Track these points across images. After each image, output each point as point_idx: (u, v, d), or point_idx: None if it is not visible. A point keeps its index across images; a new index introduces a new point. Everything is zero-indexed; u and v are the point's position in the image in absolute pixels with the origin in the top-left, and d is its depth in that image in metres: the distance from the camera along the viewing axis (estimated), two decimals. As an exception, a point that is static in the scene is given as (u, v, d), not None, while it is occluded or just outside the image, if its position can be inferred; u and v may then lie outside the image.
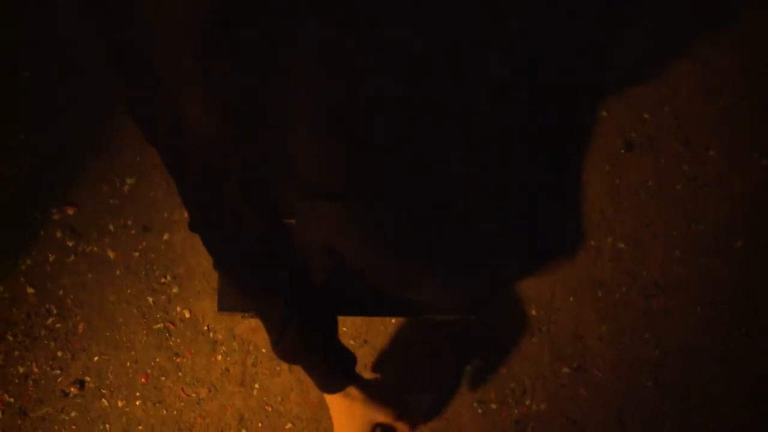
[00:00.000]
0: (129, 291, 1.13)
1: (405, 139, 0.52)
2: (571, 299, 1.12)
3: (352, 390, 0.92)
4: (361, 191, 0.55)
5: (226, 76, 0.45)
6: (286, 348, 0.85)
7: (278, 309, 0.80)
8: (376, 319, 1.11)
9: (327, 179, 0.53)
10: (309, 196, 0.56)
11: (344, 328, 1.12)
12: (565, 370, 1.11)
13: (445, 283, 0.85)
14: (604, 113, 1.14)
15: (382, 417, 0.93)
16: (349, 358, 0.93)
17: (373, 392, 0.93)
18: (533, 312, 1.12)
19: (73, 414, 1.12)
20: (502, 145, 0.58)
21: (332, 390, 0.92)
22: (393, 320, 1.12)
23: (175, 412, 1.12)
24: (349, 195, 0.55)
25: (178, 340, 1.12)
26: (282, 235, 0.74)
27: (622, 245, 1.13)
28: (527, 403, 1.11)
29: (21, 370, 1.12)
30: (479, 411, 1.11)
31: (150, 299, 1.13)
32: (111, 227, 1.14)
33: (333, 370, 0.90)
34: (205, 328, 1.12)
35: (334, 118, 0.48)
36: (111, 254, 1.13)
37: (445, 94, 0.50)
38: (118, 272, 1.13)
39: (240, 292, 0.82)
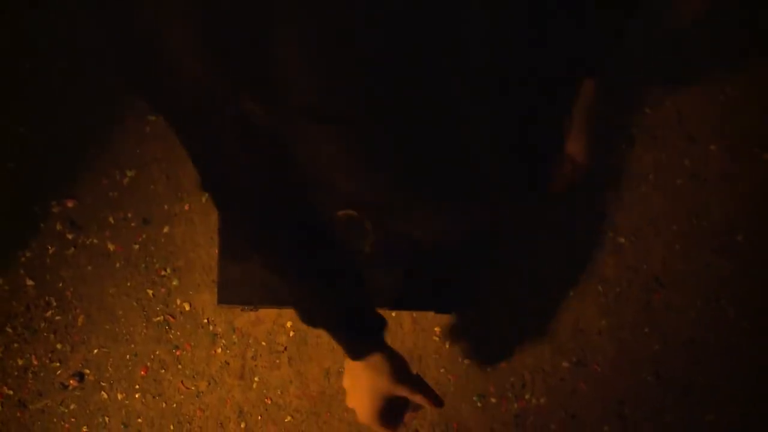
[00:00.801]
0: (129, 283, 1.13)
1: (407, 59, 0.51)
2: (571, 293, 1.12)
3: (378, 358, 0.85)
4: (364, 112, 0.55)
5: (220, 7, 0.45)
6: (307, 308, 0.81)
7: (294, 263, 0.76)
8: (376, 313, 1.11)
9: (328, 101, 0.52)
10: (309, 122, 0.55)
11: (344, 322, 1.11)
12: (565, 364, 1.11)
13: (443, 212, 0.82)
14: (606, 107, 1.14)
15: (401, 390, 0.86)
16: (378, 323, 0.87)
17: (398, 364, 0.86)
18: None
19: (72, 406, 1.12)
20: (508, 78, 0.57)
21: (356, 356, 0.85)
22: (393, 314, 1.11)
23: (174, 405, 1.12)
24: (350, 116, 0.54)
25: (178, 333, 1.12)
26: (292, 187, 0.72)
27: (623, 240, 1.13)
28: (527, 397, 1.11)
29: (20, 362, 1.12)
30: (479, 405, 1.11)
31: (150, 292, 1.13)
32: (111, 220, 1.13)
33: (358, 334, 0.84)
34: (205, 320, 1.12)
35: (336, 35, 0.48)
36: (111, 247, 1.13)
37: (448, 13, 0.50)
38: (117, 265, 1.13)
39: (255, 245, 0.78)
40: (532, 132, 0.72)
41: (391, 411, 0.88)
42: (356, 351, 0.84)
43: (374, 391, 0.87)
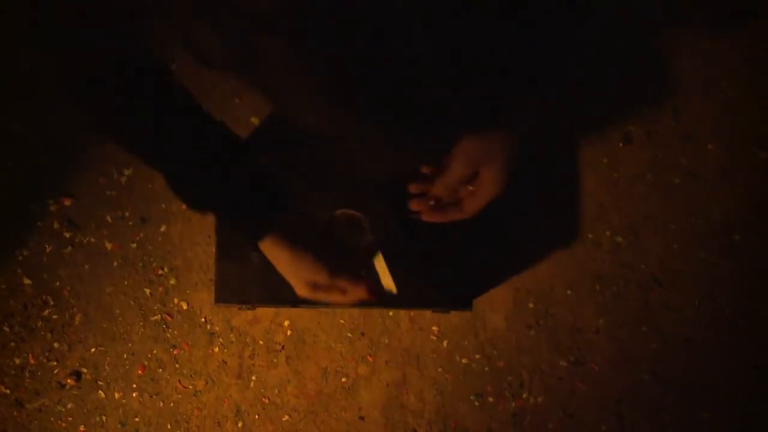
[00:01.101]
0: (126, 282, 1.13)
1: None
2: (569, 292, 1.12)
3: (275, 241, 0.82)
4: (315, 25, 0.55)
5: None
6: (188, 188, 0.77)
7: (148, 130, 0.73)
8: (374, 312, 1.11)
9: (281, 10, 0.53)
10: (261, 34, 0.55)
11: (341, 321, 1.11)
12: (563, 363, 1.11)
13: (387, 135, 0.81)
14: (602, 106, 1.14)
15: (317, 277, 0.84)
16: (270, 201, 0.83)
17: (304, 246, 0.82)
18: (531, 305, 1.12)
19: (69, 406, 1.12)
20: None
21: (251, 239, 0.82)
22: (390, 313, 1.11)
23: (171, 404, 1.12)
24: (302, 28, 0.55)
25: (176, 332, 1.12)
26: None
27: (620, 239, 1.13)
28: (524, 396, 1.11)
29: (17, 361, 1.12)
30: (476, 404, 1.11)
31: (147, 291, 1.12)
32: (108, 218, 1.13)
33: (246, 216, 0.80)
34: (203, 320, 1.12)
35: None
36: (108, 245, 1.13)
37: None
38: (115, 264, 1.13)
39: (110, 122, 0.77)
40: (468, 62, 0.72)
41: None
42: (250, 234, 0.82)
43: (291, 276, 0.84)
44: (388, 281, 0.94)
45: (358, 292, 0.87)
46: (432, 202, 0.88)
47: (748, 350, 1.11)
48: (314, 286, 0.85)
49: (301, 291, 0.86)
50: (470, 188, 0.87)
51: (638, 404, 1.11)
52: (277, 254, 0.83)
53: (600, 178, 1.13)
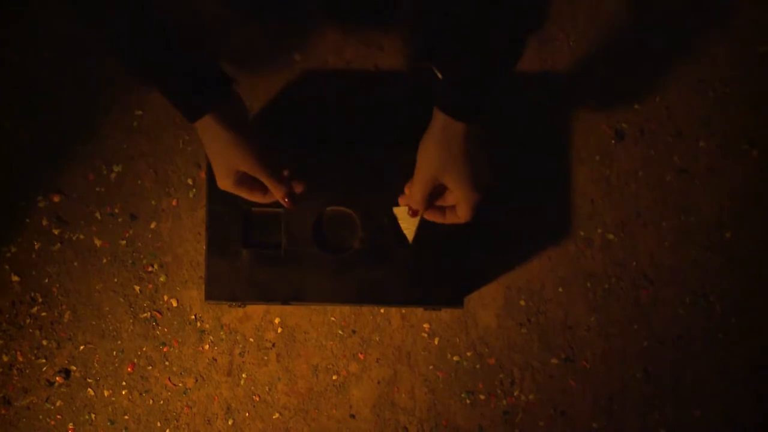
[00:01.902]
0: (115, 279, 1.12)
1: None
2: (560, 290, 1.12)
3: (214, 121, 0.81)
4: None
5: None
6: (128, 53, 0.76)
7: None
8: (365, 309, 1.11)
9: None
10: None
11: (332, 318, 1.11)
12: (554, 360, 1.11)
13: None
14: (595, 103, 1.14)
15: (245, 166, 0.84)
16: (214, 77, 0.81)
17: (239, 132, 0.82)
18: (522, 302, 1.11)
19: (58, 403, 1.11)
20: None
21: (190, 116, 0.81)
22: (381, 310, 1.11)
23: (161, 402, 1.11)
24: None
25: (165, 330, 1.11)
26: None
27: (611, 236, 1.12)
28: (516, 393, 1.11)
29: (5, 359, 1.11)
30: (467, 402, 1.11)
31: (137, 288, 1.12)
32: (98, 215, 1.12)
33: (188, 88, 0.79)
34: (193, 317, 1.11)
35: None
36: (97, 242, 1.12)
37: None
38: (104, 260, 1.12)
39: None
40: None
41: (252, 179, 0.86)
42: (188, 109, 0.80)
43: (218, 162, 0.84)
44: (407, 230, 0.95)
45: (278, 193, 0.87)
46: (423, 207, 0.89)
47: (739, 348, 1.11)
48: (238, 179, 0.85)
49: (224, 181, 0.86)
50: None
51: (629, 402, 1.11)
52: (211, 136, 0.83)
53: (592, 176, 1.13)
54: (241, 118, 0.85)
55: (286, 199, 0.91)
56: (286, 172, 0.91)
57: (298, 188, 0.91)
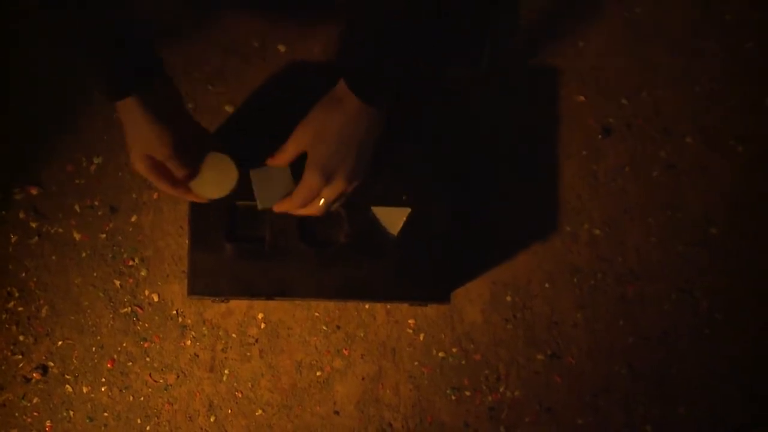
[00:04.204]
0: (95, 274, 1.09)
1: None
2: (546, 285, 1.11)
3: (133, 103, 0.79)
4: None
5: None
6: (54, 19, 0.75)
7: None
8: (350, 305, 1.10)
9: None
10: None
11: (317, 314, 1.09)
12: (540, 356, 1.11)
13: None
14: (582, 98, 1.13)
15: (155, 151, 0.82)
16: (141, 62, 0.80)
17: (159, 117, 0.80)
18: (508, 298, 1.11)
19: (35, 400, 1.08)
20: None
21: (108, 95, 0.79)
22: (366, 306, 1.10)
23: (142, 399, 1.09)
24: None
25: (146, 325, 1.09)
26: None
27: (598, 231, 1.12)
28: (501, 390, 1.10)
29: (-19, 354, 1.08)
30: (453, 398, 1.10)
31: (117, 282, 1.10)
32: (77, 208, 1.10)
33: (111, 67, 0.78)
34: (174, 312, 1.09)
35: None
36: (76, 236, 1.10)
37: None
38: (83, 254, 1.10)
39: None
40: None
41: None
42: (105, 88, 0.79)
43: (134, 144, 0.83)
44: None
45: (185, 188, 0.86)
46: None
47: (725, 344, 1.11)
48: (151, 164, 0.84)
49: (138, 164, 0.85)
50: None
51: (615, 398, 1.10)
52: (130, 117, 0.82)
53: (579, 171, 1.12)
54: (167, 104, 0.83)
55: (184, 177, 0.87)
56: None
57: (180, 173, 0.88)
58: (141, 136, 0.82)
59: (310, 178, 0.83)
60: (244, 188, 0.91)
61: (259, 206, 0.91)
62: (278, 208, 0.89)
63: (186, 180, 0.87)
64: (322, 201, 0.85)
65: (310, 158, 0.83)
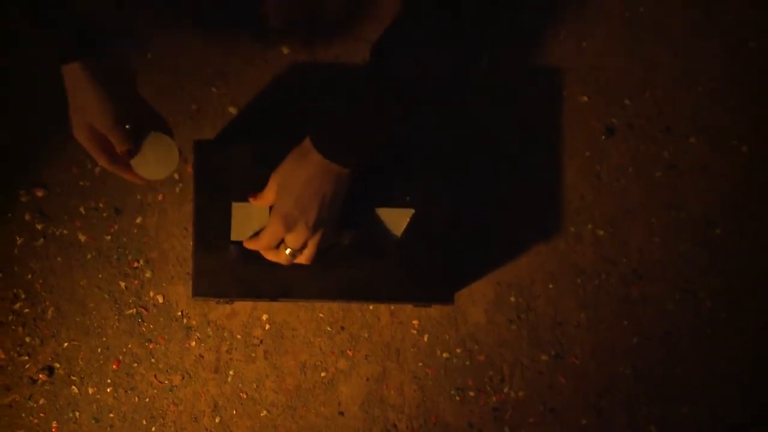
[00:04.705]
0: (100, 275, 1.10)
1: None
2: (550, 286, 1.11)
3: (78, 68, 0.79)
4: None
5: None
6: None
7: None
8: (354, 306, 1.10)
9: None
10: None
11: (321, 315, 1.10)
12: (544, 357, 1.11)
13: None
14: (585, 98, 1.13)
15: (95, 120, 0.82)
16: (92, 26, 0.79)
17: (104, 87, 0.80)
18: (512, 298, 1.11)
19: (41, 401, 1.09)
20: None
21: (60, 57, 0.79)
22: (370, 307, 1.10)
23: (147, 400, 1.09)
24: None
25: (151, 326, 1.10)
26: None
27: (601, 232, 1.12)
28: (505, 390, 1.10)
29: (-13, 356, 1.09)
30: (457, 398, 1.10)
31: (122, 284, 1.10)
32: (82, 210, 1.10)
33: (63, 30, 0.79)
34: (179, 313, 1.10)
35: None
36: (82, 237, 1.10)
37: None
38: (89, 256, 1.10)
39: None
40: None
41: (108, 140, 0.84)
42: (58, 51, 0.79)
43: (75, 112, 0.82)
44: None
45: (125, 166, 0.86)
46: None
47: (728, 344, 1.11)
48: (91, 135, 0.84)
49: (77, 132, 0.85)
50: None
51: (618, 398, 1.10)
52: (74, 83, 0.82)
53: (582, 171, 1.12)
54: (115, 77, 0.83)
55: (124, 152, 0.87)
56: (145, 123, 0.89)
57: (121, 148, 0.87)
58: (82, 104, 0.82)
59: (273, 224, 0.89)
60: (245, 189, 0.92)
61: (232, 237, 0.96)
62: (247, 244, 0.94)
63: (125, 157, 0.87)
64: (288, 250, 0.90)
65: (275, 206, 0.88)
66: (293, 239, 0.88)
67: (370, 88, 0.80)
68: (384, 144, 0.85)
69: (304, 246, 0.89)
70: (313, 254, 0.90)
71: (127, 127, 0.84)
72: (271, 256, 0.92)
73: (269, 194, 0.90)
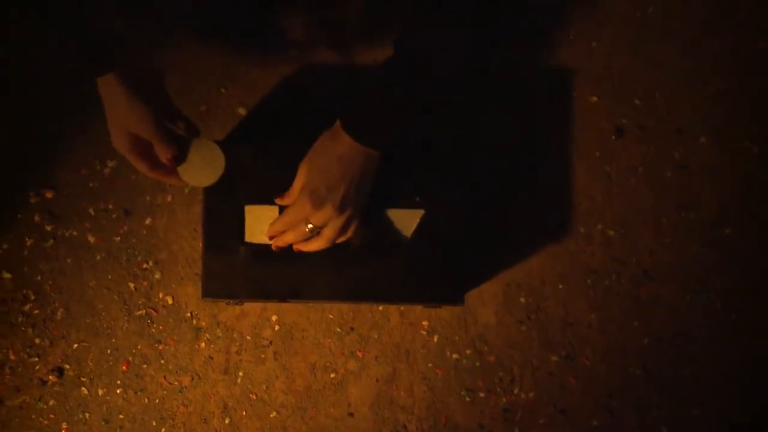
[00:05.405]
0: (110, 276, 1.10)
1: None
2: (560, 286, 1.11)
3: (113, 79, 0.81)
4: None
5: None
6: None
7: None
8: (363, 307, 1.10)
9: None
10: None
11: (330, 316, 1.10)
12: (554, 358, 1.10)
13: None
14: (595, 99, 1.13)
15: (137, 128, 0.83)
16: (117, 43, 0.82)
17: (141, 95, 0.82)
18: (522, 299, 1.11)
19: (51, 402, 1.09)
20: None
21: (94, 71, 0.82)
22: (380, 307, 1.10)
23: (157, 401, 1.09)
24: None
25: (161, 327, 1.10)
26: None
27: (611, 232, 1.12)
28: (515, 391, 1.10)
29: (-3, 357, 1.09)
30: (467, 399, 1.10)
31: (131, 285, 1.10)
32: (91, 211, 1.11)
33: (95, 43, 0.81)
34: (188, 314, 1.10)
35: None
36: (91, 239, 1.10)
37: None
38: (98, 257, 1.10)
39: None
40: None
41: (148, 147, 0.85)
42: (91, 65, 0.81)
43: (114, 122, 0.83)
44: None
45: (162, 154, 0.86)
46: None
47: (739, 345, 1.11)
48: (133, 142, 0.84)
49: (118, 141, 0.85)
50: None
51: (629, 399, 1.10)
52: (111, 93, 0.83)
53: (592, 172, 1.12)
54: (148, 83, 0.84)
55: (170, 159, 0.88)
56: (182, 130, 0.89)
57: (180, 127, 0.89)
58: (122, 114, 0.83)
59: (300, 201, 0.88)
60: (253, 190, 0.93)
61: (247, 239, 0.96)
62: (269, 232, 0.94)
63: (171, 163, 0.87)
64: (310, 226, 0.89)
65: (304, 185, 0.87)
66: (319, 216, 0.88)
67: (397, 71, 0.81)
68: (413, 127, 0.85)
69: (324, 225, 0.89)
70: (334, 237, 0.90)
71: (171, 130, 0.85)
72: (290, 236, 0.91)
73: (297, 186, 0.89)
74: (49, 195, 1.11)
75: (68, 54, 0.81)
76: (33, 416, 1.09)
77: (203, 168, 0.90)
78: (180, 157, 0.88)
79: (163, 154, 0.86)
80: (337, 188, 0.87)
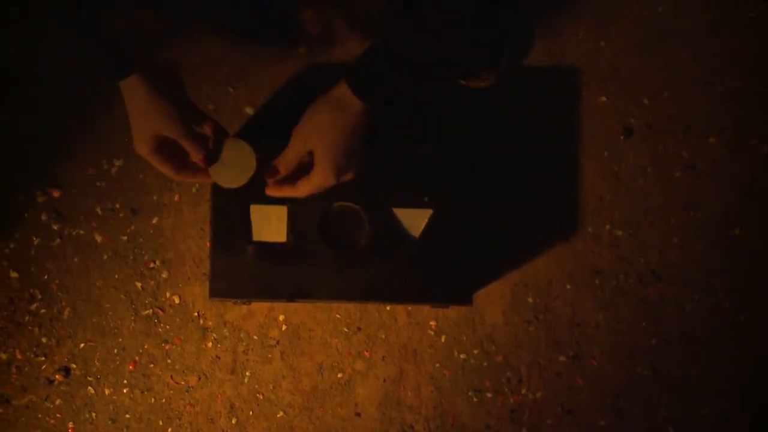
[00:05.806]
0: (116, 276, 1.10)
1: None
2: (568, 287, 1.10)
3: (136, 81, 0.80)
4: None
5: None
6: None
7: None
8: (370, 306, 1.09)
9: None
10: None
11: (337, 316, 1.09)
12: (562, 358, 1.10)
13: None
14: (604, 99, 1.12)
15: (165, 128, 0.82)
16: (140, 42, 0.80)
17: (165, 95, 0.81)
18: (530, 299, 1.10)
19: (57, 402, 1.09)
20: None
21: (111, 74, 0.80)
22: (387, 307, 1.10)
23: (163, 400, 1.09)
24: None
25: (167, 327, 1.10)
26: None
27: (620, 233, 1.11)
28: (523, 391, 1.10)
29: (4, 356, 1.09)
30: (475, 399, 1.09)
31: (138, 284, 1.10)
32: (98, 210, 1.10)
33: (115, 46, 0.79)
34: (195, 314, 1.10)
35: None
36: (98, 238, 1.10)
37: None
38: (105, 257, 1.10)
39: None
40: None
41: (172, 148, 0.83)
42: (111, 68, 0.79)
43: (139, 124, 0.82)
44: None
45: (195, 154, 0.85)
46: (276, 177, 0.86)
47: (747, 345, 1.10)
48: (157, 144, 0.83)
49: (141, 144, 0.84)
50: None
51: (637, 399, 1.10)
52: (134, 96, 0.82)
53: (600, 172, 1.12)
54: (171, 84, 0.83)
55: (202, 159, 0.87)
56: (207, 129, 0.88)
57: (208, 130, 0.88)
58: (147, 116, 0.81)
59: (323, 174, 0.84)
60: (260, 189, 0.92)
61: (254, 238, 0.96)
62: (271, 191, 0.88)
63: (204, 163, 0.86)
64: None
65: (320, 157, 0.83)
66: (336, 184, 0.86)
67: (403, 29, 0.80)
68: (417, 71, 0.83)
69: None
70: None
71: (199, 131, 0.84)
72: (291, 194, 0.87)
73: (292, 154, 0.86)
74: (56, 194, 1.10)
75: (90, 59, 0.80)
76: (39, 415, 1.09)
77: (234, 168, 0.88)
78: (212, 157, 0.86)
79: (196, 154, 0.84)
80: (353, 156, 0.84)
